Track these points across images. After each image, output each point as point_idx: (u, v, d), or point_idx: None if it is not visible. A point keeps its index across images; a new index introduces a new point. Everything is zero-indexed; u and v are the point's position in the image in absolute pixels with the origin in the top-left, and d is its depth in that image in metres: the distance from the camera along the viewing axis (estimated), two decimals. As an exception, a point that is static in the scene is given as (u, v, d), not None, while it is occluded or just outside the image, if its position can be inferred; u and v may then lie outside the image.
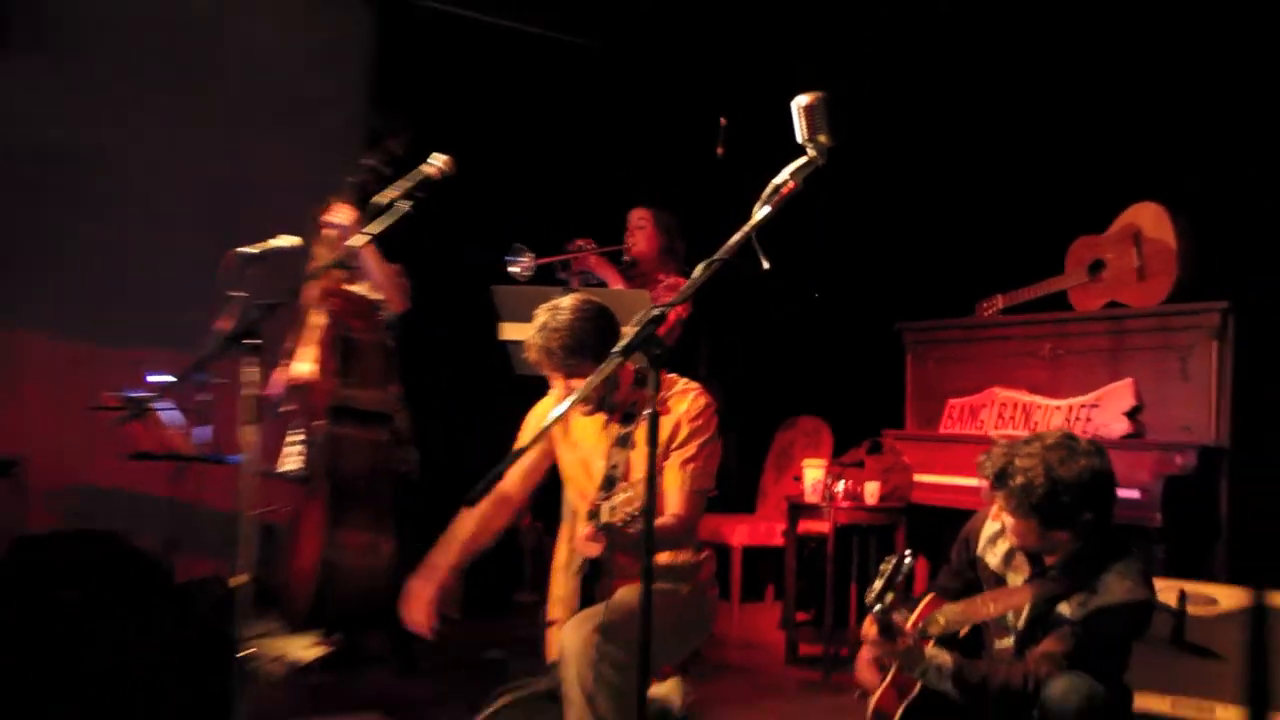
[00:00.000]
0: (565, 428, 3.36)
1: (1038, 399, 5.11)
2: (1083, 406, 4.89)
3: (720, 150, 5.45)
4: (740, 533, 6.01)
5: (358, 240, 3.56)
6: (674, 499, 3.16)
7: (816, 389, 6.29)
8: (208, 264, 4.04)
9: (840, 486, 5.09)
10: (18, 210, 5.30)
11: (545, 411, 3.41)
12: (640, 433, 3.11)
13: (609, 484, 3.14)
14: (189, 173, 5.94)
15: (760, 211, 2.36)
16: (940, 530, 5.53)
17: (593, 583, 3.16)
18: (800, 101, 2.37)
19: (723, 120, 5.49)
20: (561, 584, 3.28)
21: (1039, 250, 5.28)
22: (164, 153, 5.91)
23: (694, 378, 4.95)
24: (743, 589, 6.06)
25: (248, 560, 3.29)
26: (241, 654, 3.26)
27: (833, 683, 4.87)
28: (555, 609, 3.35)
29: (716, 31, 6.47)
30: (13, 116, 5.52)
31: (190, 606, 4.32)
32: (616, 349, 2.33)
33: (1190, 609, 3.80)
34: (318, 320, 4.63)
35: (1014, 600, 3.02)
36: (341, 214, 4.35)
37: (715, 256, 2.35)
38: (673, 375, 3.39)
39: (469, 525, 3.35)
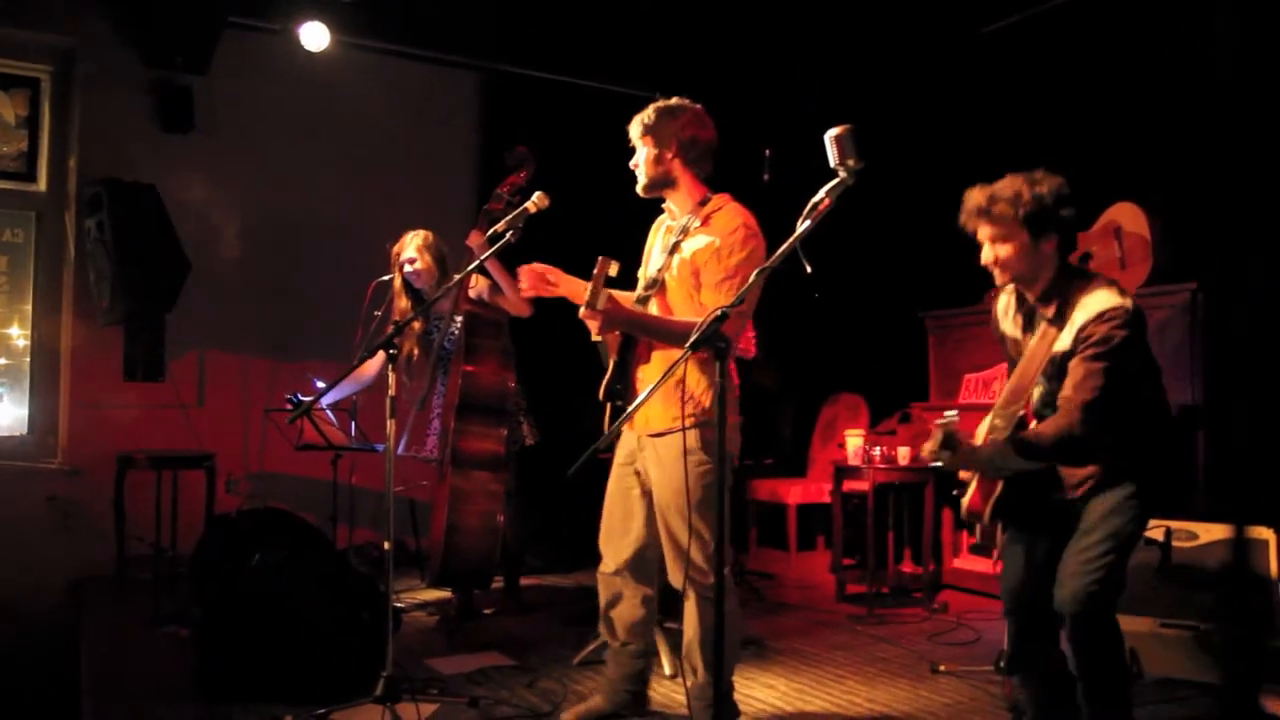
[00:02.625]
0: (649, 247, 3.25)
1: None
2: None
3: (766, 176, 5.40)
4: (794, 493, 5.98)
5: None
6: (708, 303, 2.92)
7: (855, 370, 6.24)
8: (354, 291, 4.13)
9: (877, 451, 5.05)
10: (204, 254, 5.43)
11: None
12: (689, 240, 3.03)
13: (652, 284, 3.10)
14: (338, 219, 6.07)
15: (802, 225, 2.36)
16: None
17: (626, 364, 3.06)
18: (831, 133, 2.37)
19: (767, 151, 5.43)
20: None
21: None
22: (318, 204, 6.06)
23: (753, 364, 4.95)
24: (798, 539, 6.03)
25: (392, 529, 3.35)
26: (391, 603, 3.33)
27: (875, 615, 4.83)
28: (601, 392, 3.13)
29: (760, 77, 6.45)
30: (198, 180, 5.69)
31: (349, 567, 4.41)
32: (687, 343, 2.34)
33: (1175, 543, 3.70)
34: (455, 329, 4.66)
35: (1029, 369, 2.74)
36: (474, 239, 4.36)
37: (766, 264, 2.36)
38: (723, 195, 3.14)
39: None
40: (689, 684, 3.09)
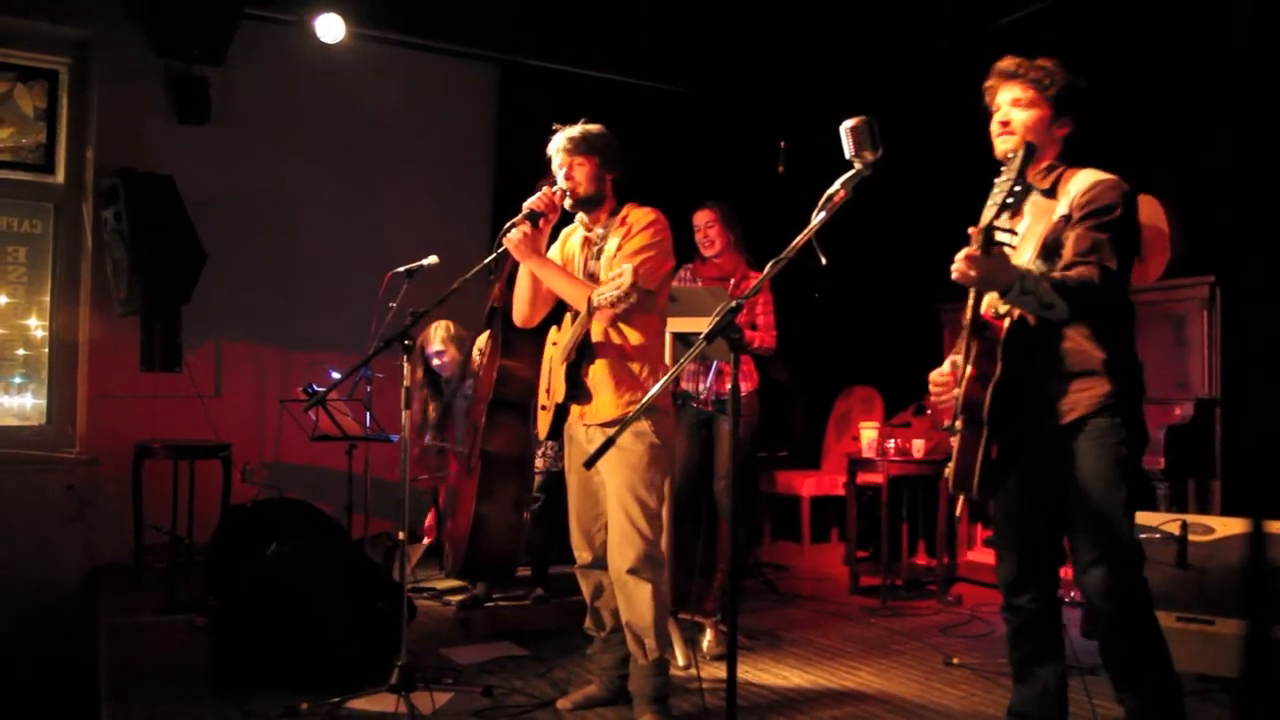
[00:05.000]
0: (561, 254, 3.38)
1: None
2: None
3: (781, 168, 5.39)
4: (809, 485, 5.97)
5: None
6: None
7: (869, 363, 6.22)
8: (370, 282, 4.13)
9: (891, 443, 5.03)
10: (220, 244, 5.45)
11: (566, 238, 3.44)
12: (608, 244, 3.20)
13: (589, 279, 3.21)
14: (354, 210, 6.09)
15: (817, 217, 2.35)
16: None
17: (577, 369, 3.19)
18: (847, 124, 2.35)
19: (782, 143, 5.42)
20: (556, 375, 3.26)
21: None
22: (334, 195, 6.07)
23: (768, 357, 4.93)
24: (812, 531, 6.02)
25: (407, 519, 3.36)
26: (406, 592, 3.33)
27: (889, 607, 4.82)
28: (543, 396, 3.38)
29: (776, 69, 6.43)
30: (215, 172, 5.71)
31: (364, 556, 4.43)
32: (702, 334, 2.34)
33: (1191, 537, 3.68)
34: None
35: (1024, 242, 2.57)
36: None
37: (781, 255, 2.35)
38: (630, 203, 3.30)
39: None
40: (642, 663, 3.17)
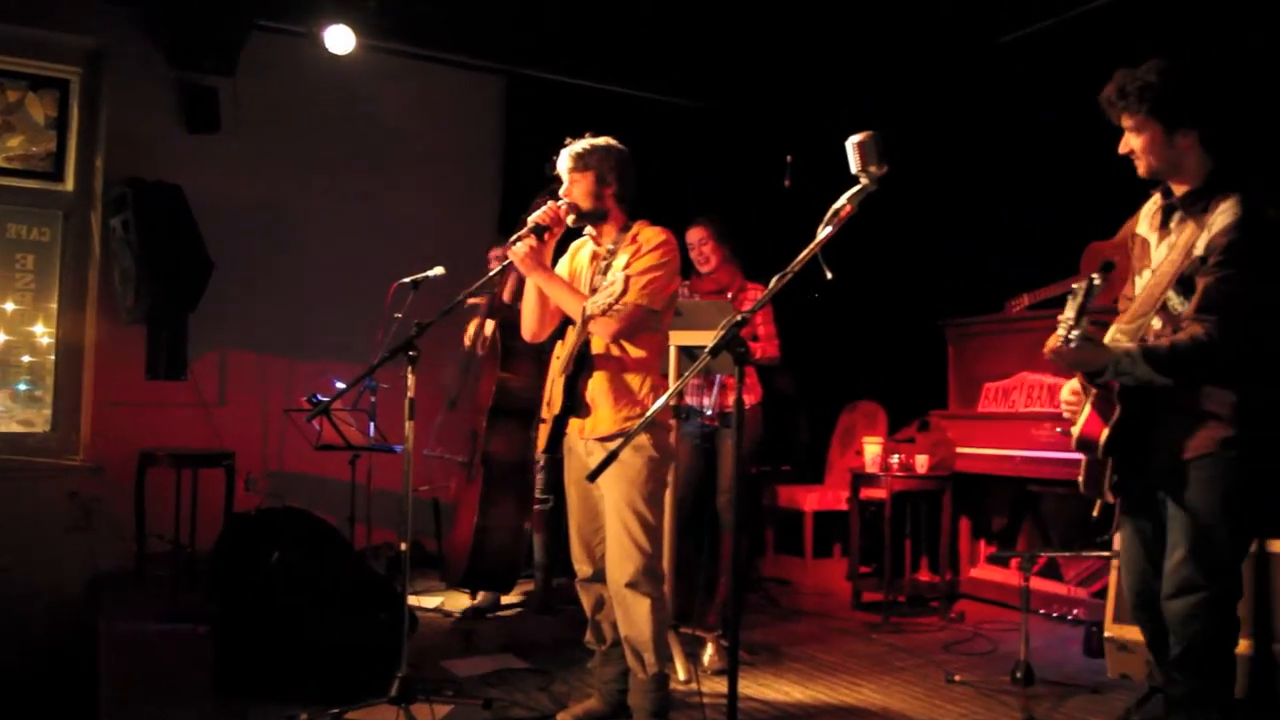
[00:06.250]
0: (570, 266, 3.38)
1: (1061, 380, 4.97)
2: (1100, 386, 4.76)
3: (787, 182, 5.38)
4: (811, 500, 5.95)
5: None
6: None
7: (874, 377, 6.21)
8: (376, 292, 4.14)
9: (895, 459, 5.02)
10: (227, 254, 5.46)
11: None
12: (617, 260, 3.19)
13: (593, 294, 3.18)
14: (360, 221, 6.11)
15: (823, 231, 2.35)
16: (981, 493, 5.44)
17: (576, 380, 3.19)
18: (854, 139, 2.35)
19: (789, 158, 5.42)
20: (555, 386, 3.26)
21: (1057, 255, 5.14)
22: (341, 205, 6.10)
23: (772, 370, 4.91)
24: (814, 546, 5.99)
25: (409, 530, 3.36)
26: (407, 604, 3.33)
27: (891, 623, 4.80)
28: (544, 410, 3.37)
29: (783, 84, 6.45)
30: (223, 181, 5.73)
31: (365, 566, 4.42)
32: (707, 348, 2.34)
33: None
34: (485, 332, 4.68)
35: (1160, 276, 2.53)
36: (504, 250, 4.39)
37: (787, 270, 2.34)
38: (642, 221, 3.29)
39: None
40: (641, 677, 3.16)
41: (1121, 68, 2.57)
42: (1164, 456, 2.55)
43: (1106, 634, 3.56)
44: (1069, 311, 2.42)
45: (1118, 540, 2.81)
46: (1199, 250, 2.48)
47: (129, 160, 5.54)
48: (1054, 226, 5.34)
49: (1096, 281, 2.41)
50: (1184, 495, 2.52)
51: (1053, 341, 2.44)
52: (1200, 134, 2.54)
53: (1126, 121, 2.59)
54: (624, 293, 2.92)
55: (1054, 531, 5.25)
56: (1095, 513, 2.94)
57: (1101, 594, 4.11)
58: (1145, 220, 2.73)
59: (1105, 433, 2.54)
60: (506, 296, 4.53)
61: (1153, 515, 2.63)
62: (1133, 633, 3.46)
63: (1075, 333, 2.39)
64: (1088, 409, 2.58)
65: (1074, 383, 2.68)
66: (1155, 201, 2.71)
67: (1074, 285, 2.41)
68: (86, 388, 5.62)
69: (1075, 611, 4.71)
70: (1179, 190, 2.60)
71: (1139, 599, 2.71)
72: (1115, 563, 3.63)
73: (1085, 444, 2.59)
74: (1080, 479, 2.68)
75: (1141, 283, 2.63)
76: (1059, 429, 2.75)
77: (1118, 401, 2.53)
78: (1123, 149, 2.64)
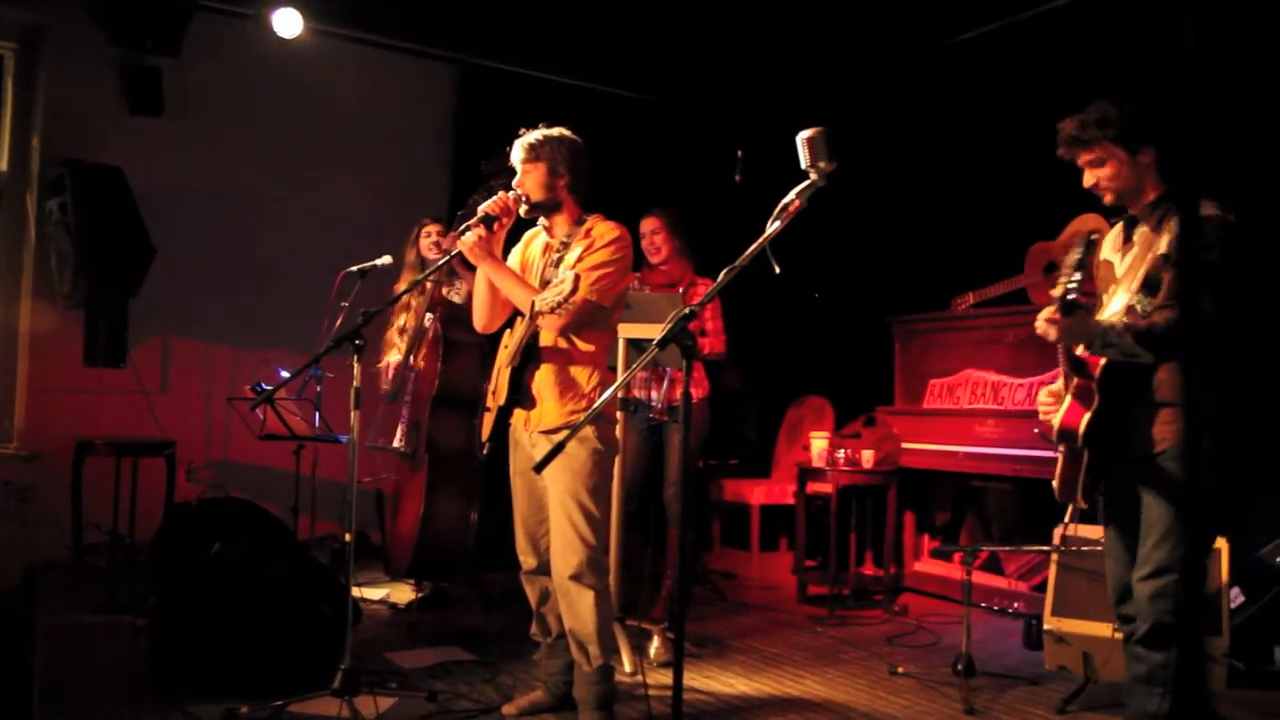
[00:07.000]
0: (523, 256, 3.36)
1: (1004, 378, 5.06)
2: (1042, 384, 4.82)
3: (738, 177, 5.39)
4: (758, 493, 6.00)
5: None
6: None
7: (821, 373, 6.26)
8: (322, 280, 4.09)
9: (841, 454, 5.07)
10: (169, 239, 5.36)
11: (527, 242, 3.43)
12: (570, 253, 3.17)
13: (544, 286, 3.18)
14: (307, 208, 6.02)
15: (771, 226, 2.36)
16: (925, 488, 5.51)
17: (522, 372, 3.18)
18: (804, 135, 2.36)
19: (739, 152, 5.43)
20: (501, 377, 3.25)
21: (1002, 255, 5.23)
22: (287, 192, 6.00)
23: (719, 365, 4.93)
24: (761, 540, 6.04)
25: (354, 521, 3.33)
26: (351, 596, 3.29)
27: (836, 616, 4.85)
28: (489, 399, 3.36)
29: (734, 79, 6.47)
30: (166, 165, 5.62)
31: (309, 558, 4.37)
32: (655, 340, 2.34)
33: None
34: (425, 323, 4.64)
35: (1126, 275, 2.71)
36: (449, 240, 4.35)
37: (735, 264, 2.35)
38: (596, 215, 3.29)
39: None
40: (586, 669, 3.17)
41: (1065, 117, 2.77)
42: (1137, 447, 2.69)
43: (1045, 627, 3.62)
44: (1069, 267, 2.58)
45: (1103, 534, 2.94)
46: (1162, 249, 2.64)
47: (67, 141, 5.41)
48: (1000, 226, 5.43)
49: (1095, 238, 2.62)
50: (1156, 484, 2.65)
51: (1048, 312, 2.59)
52: (1157, 150, 2.71)
53: (1087, 157, 2.75)
54: (574, 292, 2.91)
55: (996, 526, 5.33)
56: (1067, 519, 3.00)
57: (1041, 588, 4.18)
58: (1109, 245, 2.88)
59: (1086, 418, 2.67)
60: (458, 298, 4.52)
61: (1130, 506, 2.74)
62: (1070, 625, 3.55)
63: (1078, 276, 2.54)
64: (1068, 400, 2.73)
65: (1053, 385, 2.82)
66: (1118, 228, 2.86)
67: (1072, 249, 2.59)
68: (21, 373, 5.48)
69: (1015, 605, 4.79)
70: (1137, 207, 2.77)
71: (1119, 593, 2.82)
72: (1055, 557, 3.71)
73: (1065, 434, 2.72)
74: (1055, 484, 2.81)
75: (1108, 301, 2.77)
76: (1036, 430, 2.88)
77: (1097, 391, 2.68)
78: (1087, 183, 2.79)
